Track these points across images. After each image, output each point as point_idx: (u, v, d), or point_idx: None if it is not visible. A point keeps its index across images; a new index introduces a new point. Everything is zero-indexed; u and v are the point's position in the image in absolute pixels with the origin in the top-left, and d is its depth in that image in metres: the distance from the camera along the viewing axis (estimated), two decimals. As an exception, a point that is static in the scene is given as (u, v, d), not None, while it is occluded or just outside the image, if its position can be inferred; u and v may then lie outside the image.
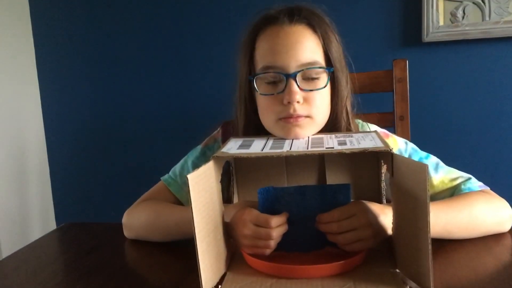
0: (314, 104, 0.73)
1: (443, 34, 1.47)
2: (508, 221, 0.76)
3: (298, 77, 0.71)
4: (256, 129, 0.80)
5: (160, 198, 0.87)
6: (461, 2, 1.45)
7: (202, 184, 0.57)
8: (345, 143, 0.64)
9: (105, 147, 1.89)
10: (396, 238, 0.62)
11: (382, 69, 1.15)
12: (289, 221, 0.63)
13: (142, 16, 1.76)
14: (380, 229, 0.63)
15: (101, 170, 1.91)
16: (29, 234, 1.85)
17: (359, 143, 0.64)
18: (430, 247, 0.50)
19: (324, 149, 0.62)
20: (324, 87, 0.74)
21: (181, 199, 0.88)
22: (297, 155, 0.61)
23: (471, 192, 0.77)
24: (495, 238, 0.74)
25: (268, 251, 0.62)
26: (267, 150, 0.64)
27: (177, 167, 0.91)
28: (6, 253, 1.67)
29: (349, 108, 0.81)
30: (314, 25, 0.75)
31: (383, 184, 0.71)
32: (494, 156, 1.53)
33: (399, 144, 0.85)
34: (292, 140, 0.72)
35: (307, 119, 0.73)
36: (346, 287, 0.56)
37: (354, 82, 0.83)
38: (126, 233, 0.86)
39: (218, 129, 0.93)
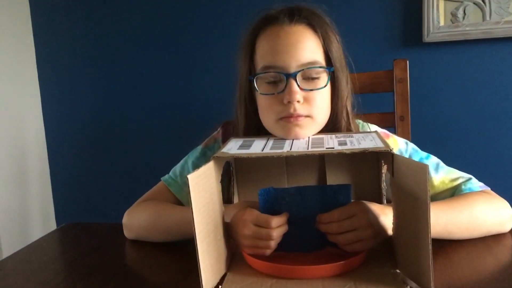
0: (314, 104, 0.73)
1: (444, 34, 1.47)
2: (509, 221, 0.76)
3: (298, 77, 0.72)
4: (257, 129, 0.80)
5: (160, 199, 0.87)
6: (461, 2, 1.45)
7: (202, 184, 0.57)
8: (345, 143, 0.64)
9: (105, 147, 1.89)
10: (396, 238, 0.62)
11: (382, 69, 1.15)
12: (289, 222, 0.63)
13: (142, 16, 1.76)
14: (381, 229, 0.63)
15: (101, 170, 1.91)
16: (30, 234, 1.85)
17: (360, 143, 0.64)
18: (430, 247, 0.50)
19: (325, 149, 0.62)
20: (324, 86, 0.74)
21: (182, 200, 0.88)
22: (297, 155, 0.61)
23: (471, 193, 0.77)
24: (496, 238, 0.74)
25: (268, 252, 0.62)
26: (267, 150, 0.64)
27: (177, 168, 0.91)
28: (6, 253, 1.67)
29: (349, 108, 0.81)
30: (315, 25, 0.75)
31: (384, 185, 0.71)
32: (494, 156, 1.53)
33: (399, 144, 0.85)
34: (293, 140, 0.72)
35: (307, 118, 0.73)
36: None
37: (355, 82, 0.83)
38: (127, 233, 0.86)
39: (219, 129, 0.93)
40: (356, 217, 0.61)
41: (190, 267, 0.67)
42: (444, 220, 0.70)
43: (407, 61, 1.12)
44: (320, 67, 0.74)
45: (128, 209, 0.86)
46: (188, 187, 0.52)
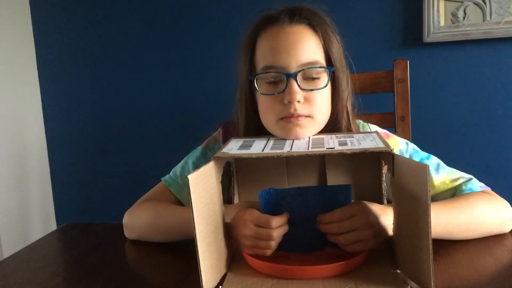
0: (315, 104, 0.73)
1: (444, 34, 1.47)
2: (509, 221, 0.76)
3: (299, 77, 0.72)
4: (257, 130, 0.80)
5: (160, 199, 0.87)
6: (462, 2, 1.45)
7: (203, 184, 0.57)
8: (345, 144, 0.64)
9: (105, 147, 1.89)
10: (397, 238, 0.62)
11: (383, 70, 1.15)
12: (290, 222, 0.63)
13: (142, 16, 1.76)
14: (381, 229, 0.63)
15: (101, 170, 1.91)
16: (30, 235, 1.85)
17: (360, 144, 0.64)
18: (431, 247, 0.50)
19: (325, 149, 0.62)
20: (325, 86, 0.74)
21: (182, 200, 0.88)
22: (297, 155, 0.61)
23: (472, 193, 0.77)
24: (496, 238, 0.74)
25: (269, 252, 0.62)
26: (267, 150, 0.64)
27: (177, 168, 0.91)
28: (7, 253, 1.67)
29: (349, 108, 0.81)
30: (315, 25, 0.75)
31: (384, 185, 0.71)
32: (495, 156, 1.53)
33: (400, 145, 0.85)
34: (293, 140, 0.72)
35: (308, 118, 0.73)
36: (347, 288, 0.56)
37: (355, 83, 0.83)
38: (127, 233, 0.86)
39: (219, 129, 0.93)
40: (356, 217, 0.61)
41: (190, 267, 0.67)
42: (445, 221, 0.70)
43: (408, 61, 1.12)
44: (321, 67, 0.74)
45: (128, 209, 0.86)
46: (189, 187, 0.52)
